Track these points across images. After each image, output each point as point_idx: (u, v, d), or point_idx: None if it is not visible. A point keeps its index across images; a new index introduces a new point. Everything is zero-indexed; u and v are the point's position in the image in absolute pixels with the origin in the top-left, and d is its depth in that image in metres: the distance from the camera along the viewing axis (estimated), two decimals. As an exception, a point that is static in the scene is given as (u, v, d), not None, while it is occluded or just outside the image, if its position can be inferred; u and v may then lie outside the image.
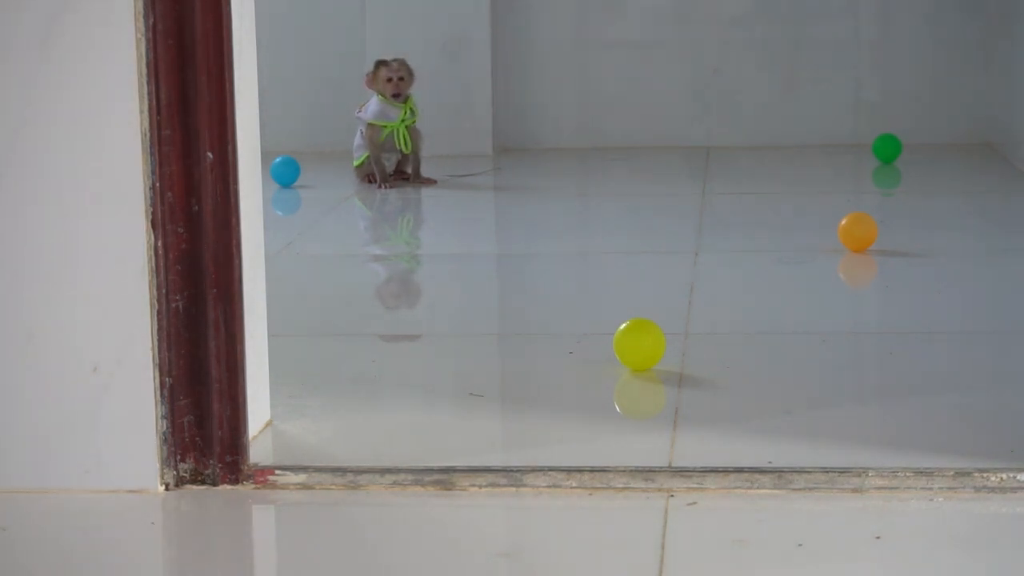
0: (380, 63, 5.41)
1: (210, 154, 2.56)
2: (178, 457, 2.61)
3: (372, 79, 5.41)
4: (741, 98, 6.18)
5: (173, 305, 2.59)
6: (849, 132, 6.12)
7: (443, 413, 3.00)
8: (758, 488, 2.55)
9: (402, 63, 5.39)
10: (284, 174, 5.49)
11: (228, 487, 2.62)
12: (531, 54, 6.19)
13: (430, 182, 5.47)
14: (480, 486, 2.59)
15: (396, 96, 5.38)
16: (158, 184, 2.55)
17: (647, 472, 2.59)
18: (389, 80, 5.37)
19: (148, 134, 2.53)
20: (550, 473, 2.59)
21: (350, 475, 2.62)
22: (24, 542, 2.44)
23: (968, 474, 2.54)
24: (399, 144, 5.42)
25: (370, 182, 5.46)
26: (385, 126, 5.40)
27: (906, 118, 6.09)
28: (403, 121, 5.40)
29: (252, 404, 2.70)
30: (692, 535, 2.40)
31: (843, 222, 4.28)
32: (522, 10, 6.16)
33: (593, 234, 4.83)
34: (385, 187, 5.40)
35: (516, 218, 5.09)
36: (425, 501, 2.55)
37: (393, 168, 5.51)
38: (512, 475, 2.59)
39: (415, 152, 5.48)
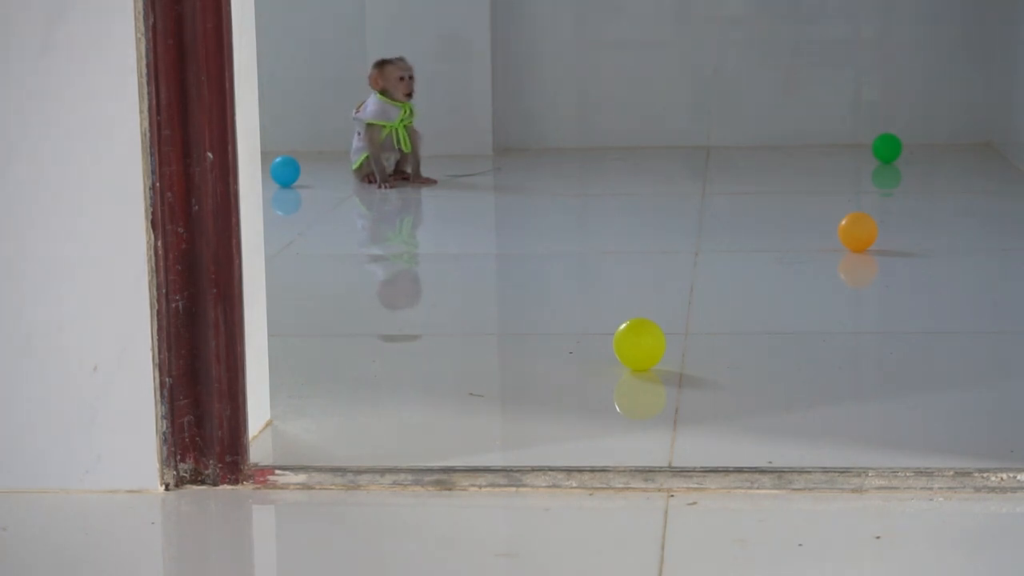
0: (385, 62, 5.38)
1: (210, 154, 2.56)
2: (178, 457, 2.61)
3: (377, 78, 5.37)
4: (741, 98, 6.18)
5: (173, 305, 2.59)
6: (849, 132, 6.12)
7: (443, 413, 3.00)
8: (758, 488, 2.55)
9: (405, 61, 5.39)
10: (284, 174, 5.49)
11: (228, 487, 2.62)
12: (531, 54, 6.20)
13: (430, 182, 5.46)
14: (480, 486, 2.59)
15: (409, 96, 5.36)
16: (158, 184, 2.55)
17: (647, 472, 2.59)
18: (401, 79, 5.35)
19: (148, 134, 2.53)
20: (550, 473, 2.59)
21: (350, 475, 2.62)
22: (24, 542, 2.44)
23: (968, 474, 2.54)
24: (398, 144, 5.40)
25: (370, 182, 5.46)
26: (385, 126, 5.38)
27: (906, 118, 6.09)
28: (402, 121, 5.38)
29: (252, 404, 2.70)
30: (692, 535, 2.40)
31: (843, 222, 4.28)
32: (522, 10, 6.17)
33: (593, 234, 4.83)
34: (385, 187, 5.38)
35: (516, 218, 5.09)
36: (425, 501, 2.55)
37: (392, 168, 5.49)
38: (512, 475, 2.59)
39: (414, 152, 5.45)
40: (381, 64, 5.39)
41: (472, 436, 2.85)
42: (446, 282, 4.20)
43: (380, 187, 5.39)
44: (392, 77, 5.35)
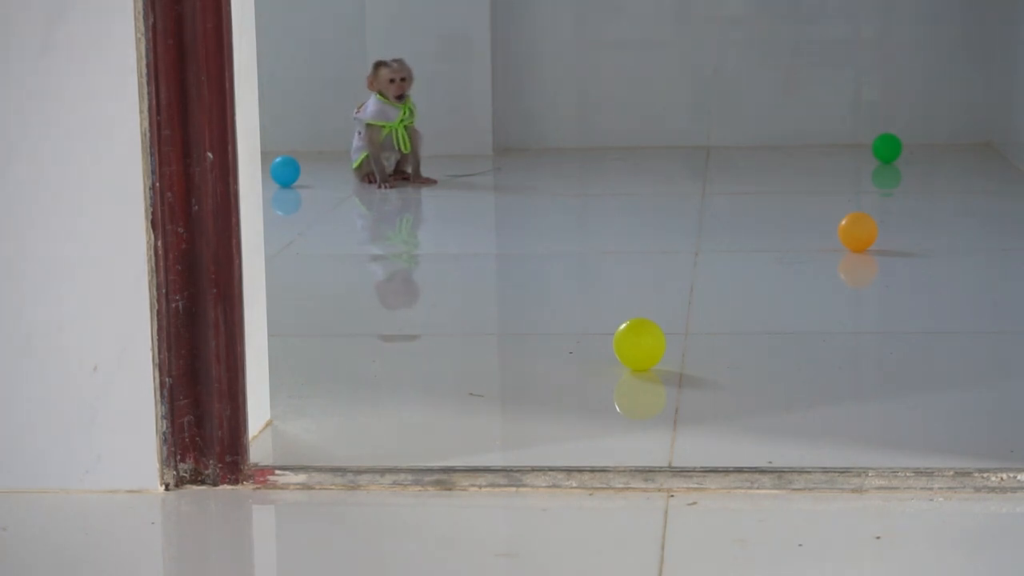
0: (380, 64, 5.38)
1: (210, 154, 2.56)
2: (178, 457, 2.61)
3: (373, 80, 5.37)
4: (741, 98, 6.18)
5: (173, 305, 2.59)
6: (849, 132, 6.12)
7: (443, 413, 3.00)
8: (758, 488, 2.55)
9: (402, 63, 5.37)
10: (284, 174, 5.49)
11: (228, 487, 2.62)
12: (531, 54, 6.19)
13: (430, 182, 5.46)
14: (480, 486, 2.59)
15: (399, 97, 5.35)
16: (158, 184, 2.55)
17: (647, 472, 2.59)
18: (392, 81, 5.35)
19: (148, 134, 2.53)
20: (550, 473, 2.59)
21: (350, 475, 2.62)
22: (24, 542, 2.44)
23: (968, 474, 2.54)
24: (397, 144, 5.39)
25: (370, 182, 5.47)
26: (384, 126, 5.38)
27: (906, 118, 6.09)
28: (402, 121, 5.38)
29: (252, 404, 2.70)
30: (692, 535, 2.40)
31: (843, 222, 4.28)
32: (522, 10, 6.16)
33: (593, 234, 4.83)
34: (385, 187, 5.39)
35: (516, 218, 5.09)
36: (425, 501, 2.55)
37: (392, 168, 5.50)
38: (512, 475, 2.59)
39: (414, 152, 5.45)
40: (376, 67, 5.38)
41: (472, 436, 2.85)
42: (446, 282, 4.20)
43: (380, 187, 5.39)
44: (383, 80, 5.36)
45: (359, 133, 5.46)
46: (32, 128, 2.53)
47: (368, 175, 5.48)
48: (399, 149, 5.42)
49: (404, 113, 5.38)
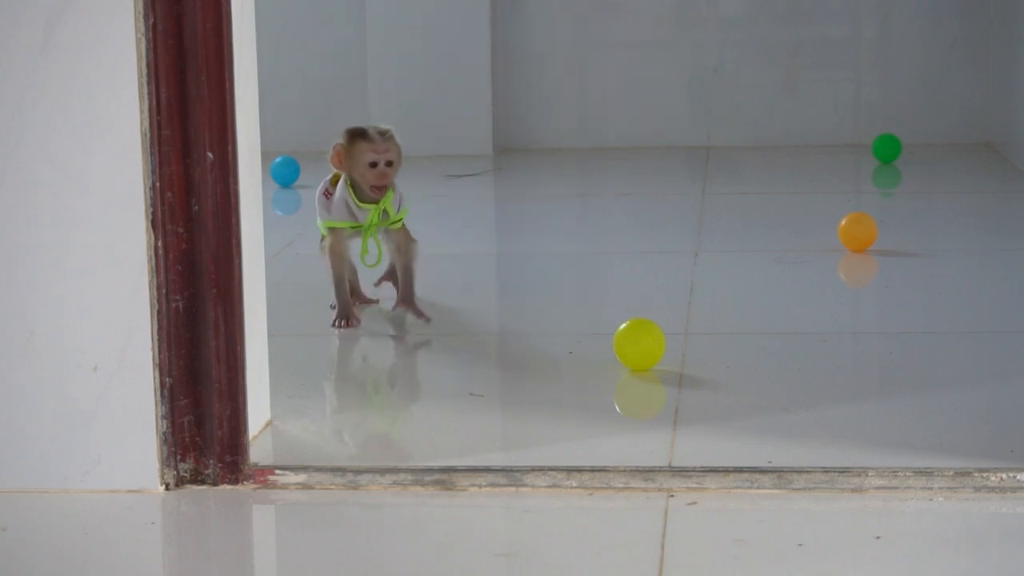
0: (357, 134, 3.53)
1: (210, 154, 2.56)
2: (178, 457, 2.61)
3: (344, 156, 3.52)
4: (741, 98, 6.18)
5: (173, 305, 2.59)
6: (849, 132, 6.12)
7: (443, 413, 3.00)
8: (758, 488, 2.55)
9: (390, 138, 3.52)
10: (284, 174, 5.49)
11: (228, 487, 2.62)
12: (531, 54, 6.20)
13: (422, 316, 3.62)
14: (480, 486, 2.59)
15: (381, 191, 3.52)
16: (158, 184, 2.55)
17: (647, 472, 2.59)
18: (373, 165, 3.49)
19: (148, 134, 2.53)
20: (550, 473, 2.59)
21: (350, 475, 2.62)
22: (24, 542, 2.44)
23: (968, 474, 2.54)
24: (364, 256, 3.60)
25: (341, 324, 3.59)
26: (351, 227, 3.59)
27: (906, 118, 6.09)
28: (373, 224, 3.56)
29: (252, 404, 2.70)
30: (692, 535, 2.40)
31: (843, 222, 4.28)
32: (522, 10, 6.16)
33: (593, 234, 4.83)
34: (341, 325, 3.55)
35: (516, 218, 5.09)
36: (425, 501, 2.55)
37: (386, 271, 3.81)
38: (512, 475, 2.59)
39: (407, 267, 3.62)
40: (352, 138, 3.53)
41: (472, 436, 2.85)
42: (446, 282, 4.20)
43: (336, 324, 3.57)
44: (361, 161, 3.50)
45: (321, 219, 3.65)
46: (32, 128, 2.53)
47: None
48: (366, 261, 3.62)
49: (375, 216, 3.54)
